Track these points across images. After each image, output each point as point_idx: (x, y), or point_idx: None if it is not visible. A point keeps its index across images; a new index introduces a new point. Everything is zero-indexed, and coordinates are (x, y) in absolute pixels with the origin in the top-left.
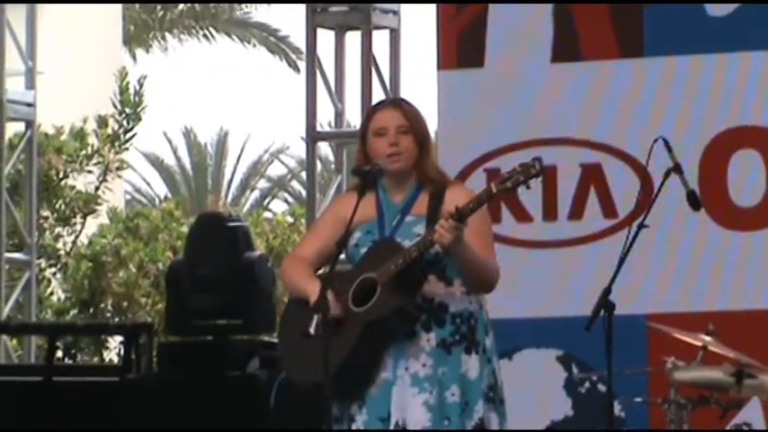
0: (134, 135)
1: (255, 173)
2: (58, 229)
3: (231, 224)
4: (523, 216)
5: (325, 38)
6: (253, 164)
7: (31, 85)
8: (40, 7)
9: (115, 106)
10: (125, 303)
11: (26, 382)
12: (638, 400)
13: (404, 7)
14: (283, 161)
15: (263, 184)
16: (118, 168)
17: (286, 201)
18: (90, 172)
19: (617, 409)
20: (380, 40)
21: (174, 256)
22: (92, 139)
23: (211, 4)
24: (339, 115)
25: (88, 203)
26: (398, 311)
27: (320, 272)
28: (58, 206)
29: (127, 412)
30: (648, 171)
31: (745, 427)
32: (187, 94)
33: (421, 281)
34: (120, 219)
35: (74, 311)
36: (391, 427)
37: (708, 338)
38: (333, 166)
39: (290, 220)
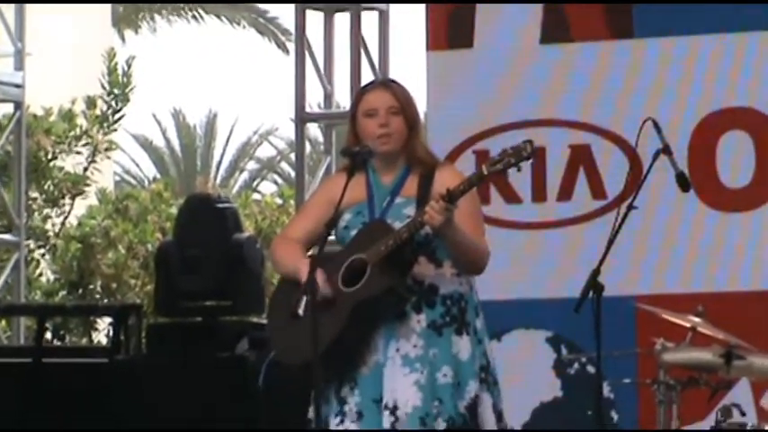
0: (123, 116)
1: (244, 154)
2: (46, 211)
3: (220, 205)
4: (512, 197)
5: (315, 19)
6: (242, 145)
7: (19, 66)
8: None
9: (104, 87)
10: (114, 285)
11: (15, 363)
12: (627, 381)
13: None
14: (272, 142)
15: (252, 165)
16: (107, 149)
17: (275, 182)
18: (79, 153)
19: (606, 390)
20: (369, 21)
21: (163, 238)
22: (80, 120)
23: None
24: (328, 96)
25: (77, 185)
26: (388, 291)
27: (310, 253)
28: (46, 187)
29: (116, 393)
30: (637, 152)
31: (734, 409)
32: (176, 75)
33: (411, 262)
34: (109, 200)
35: (63, 293)
36: (386, 411)
37: (697, 320)
38: (322, 147)
39: (279, 201)
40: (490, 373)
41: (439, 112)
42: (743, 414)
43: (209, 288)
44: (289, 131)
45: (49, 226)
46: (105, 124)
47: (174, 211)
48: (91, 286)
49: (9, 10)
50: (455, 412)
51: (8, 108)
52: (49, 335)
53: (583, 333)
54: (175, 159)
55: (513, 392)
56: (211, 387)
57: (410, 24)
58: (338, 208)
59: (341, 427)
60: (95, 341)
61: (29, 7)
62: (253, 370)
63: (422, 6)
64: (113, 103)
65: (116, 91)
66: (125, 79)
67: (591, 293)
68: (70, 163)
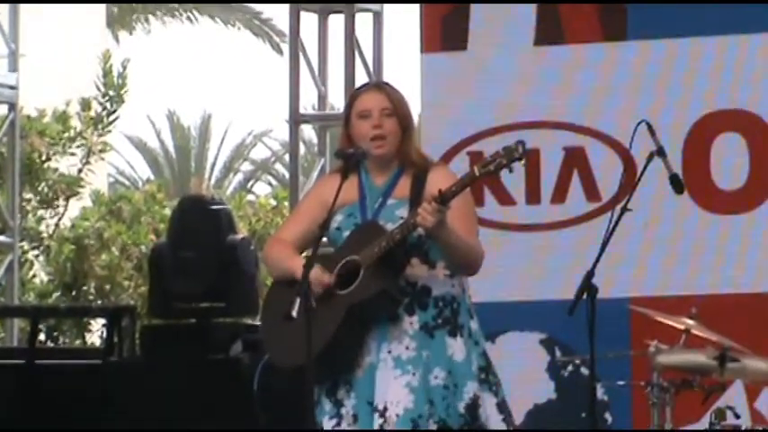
0: (117, 117)
1: (238, 156)
2: (40, 212)
3: (214, 207)
4: (506, 199)
5: (309, 21)
6: (236, 146)
7: (13, 67)
8: None
9: (98, 89)
10: (108, 286)
11: (8, 364)
12: (621, 383)
13: None
14: (266, 144)
15: (246, 166)
16: (101, 151)
17: (269, 183)
18: (73, 154)
19: (600, 392)
20: (363, 23)
21: (156, 239)
22: (75, 122)
23: None
24: (322, 98)
25: (71, 186)
26: (382, 294)
27: (303, 254)
28: (40, 189)
29: (109, 395)
30: (631, 154)
31: (728, 411)
32: (170, 77)
33: (404, 263)
34: (102, 201)
35: (56, 294)
36: (375, 413)
37: (690, 322)
38: (316, 148)
39: (273, 202)
40: (491, 373)
41: (433, 113)
42: (737, 416)
43: (202, 290)
44: (283, 133)
45: (42, 227)
46: (100, 126)
47: (167, 212)
48: (84, 288)
49: (3, 11)
50: (446, 414)
51: (2, 109)
52: (42, 336)
53: (577, 335)
54: (169, 161)
55: (507, 394)
56: (205, 389)
57: (404, 26)
58: (332, 209)
59: (337, 429)
60: (89, 343)
61: (23, 8)
62: (247, 372)
63: (416, 8)
64: (108, 104)
65: (111, 93)
66: (120, 81)
67: (585, 295)
68: (64, 164)
